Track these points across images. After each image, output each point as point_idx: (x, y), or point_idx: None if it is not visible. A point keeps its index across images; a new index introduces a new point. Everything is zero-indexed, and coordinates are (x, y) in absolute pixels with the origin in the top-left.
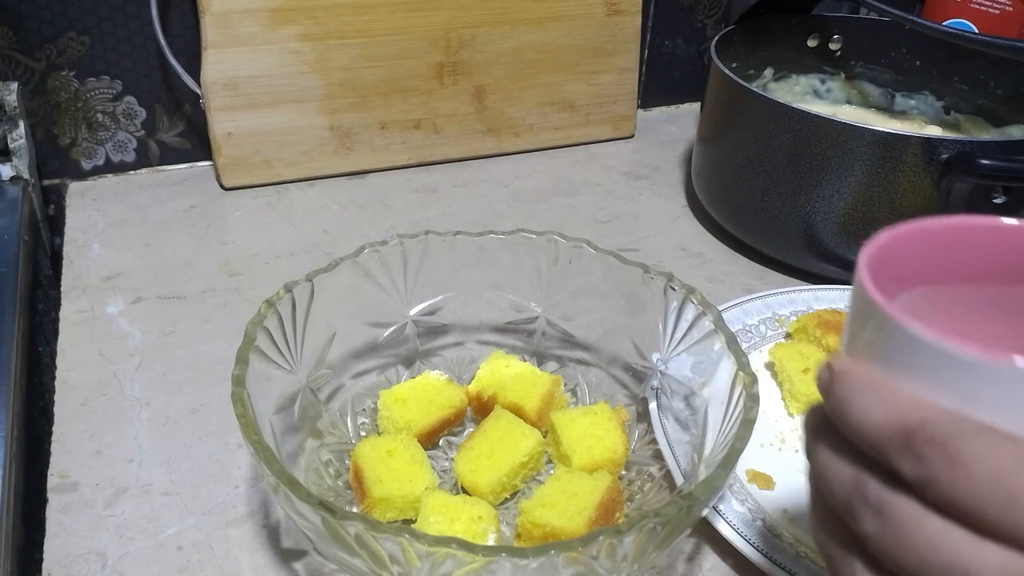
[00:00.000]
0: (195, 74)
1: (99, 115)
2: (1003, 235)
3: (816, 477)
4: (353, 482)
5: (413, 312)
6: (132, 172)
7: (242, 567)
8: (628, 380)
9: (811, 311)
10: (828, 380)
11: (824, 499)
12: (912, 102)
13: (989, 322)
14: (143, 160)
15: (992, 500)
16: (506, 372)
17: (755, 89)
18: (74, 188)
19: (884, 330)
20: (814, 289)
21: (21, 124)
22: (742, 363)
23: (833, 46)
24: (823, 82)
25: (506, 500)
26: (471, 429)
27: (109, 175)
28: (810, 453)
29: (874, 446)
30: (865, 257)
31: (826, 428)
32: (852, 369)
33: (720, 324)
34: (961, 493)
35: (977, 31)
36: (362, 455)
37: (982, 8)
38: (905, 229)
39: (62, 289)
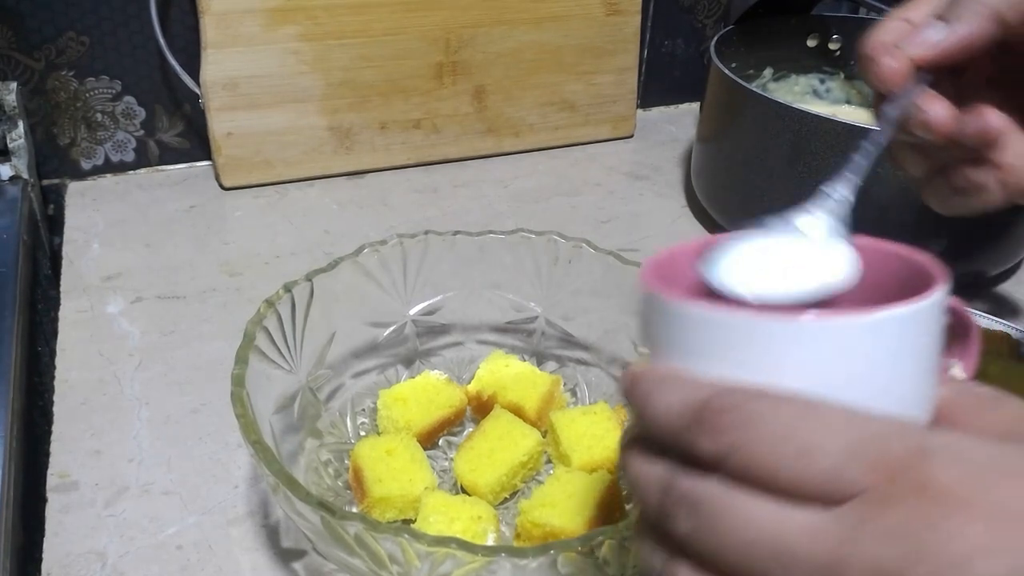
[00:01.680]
0: (195, 74)
1: (99, 115)
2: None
3: (632, 490)
4: (353, 482)
5: (413, 312)
6: (132, 172)
7: (242, 567)
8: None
9: None
10: (630, 383)
11: (643, 512)
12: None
13: None
14: (143, 160)
15: (785, 454)
16: (506, 372)
17: (755, 89)
18: (73, 188)
19: (664, 317)
20: None
21: (20, 124)
22: None
23: (833, 46)
24: (823, 82)
25: (506, 500)
26: (471, 429)
27: (109, 175)
28: (624, 467)
29: (676, 434)
30: (646, 264)
31: (636, 440)
32: (648, 367)
33: None
34: (756, 455)
35: None
36: (362, 455)
37: None
38: (680, 246)
39: (62, 289)
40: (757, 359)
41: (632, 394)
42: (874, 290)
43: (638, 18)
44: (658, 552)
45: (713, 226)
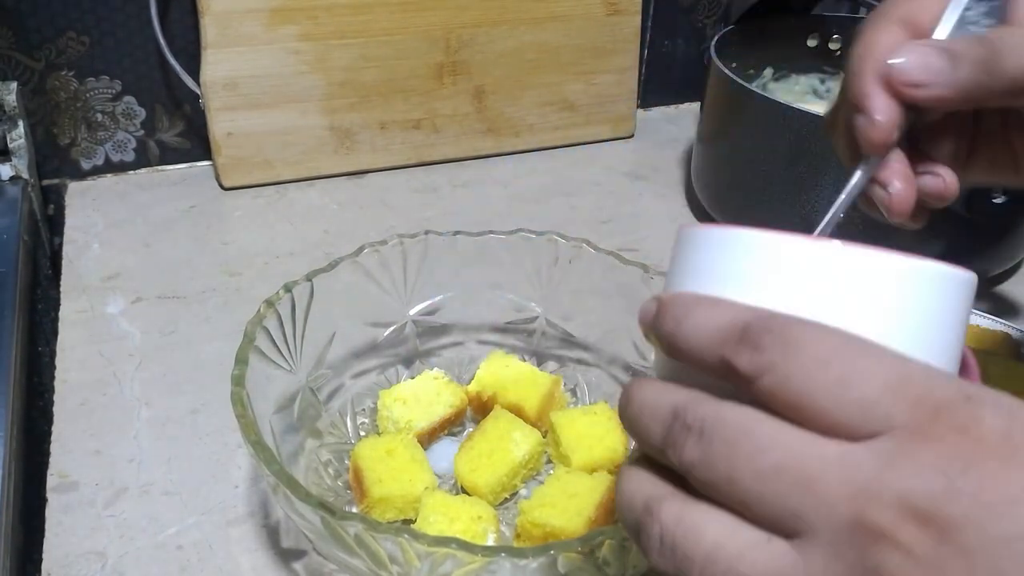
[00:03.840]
0: (195, 74)
1: (99, 115)
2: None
3: (634, 423)
4: (353, 482)
5: (413, 312)
6: (132, 172)
7: (242, 567)
8: (628, 380)
9: None
10: (656, 310)
11: (638, 451)
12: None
13: None
14: (143, 160)
15: (822, 382)
16: (506, 372)
17: (755, 89)
18: (74, 188)
19: (705, 246)
20: None
21: (21, 124)
22: None
23: (833, 46)
24: (823, 82)
25: (506, 500)
26: (471, 429)
27: (109, 175)
28: (626, 407)
29: (711, 352)
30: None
31: (640, 381)
32: (681, 293)
33: None
34: (795, 377)
35: None
36: (362, 455)
37: None
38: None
39: (62, 289)
40: (801, 288)
41: (661, 317)
42: None
43: (638, 18)
44: (643, 490)
45: None
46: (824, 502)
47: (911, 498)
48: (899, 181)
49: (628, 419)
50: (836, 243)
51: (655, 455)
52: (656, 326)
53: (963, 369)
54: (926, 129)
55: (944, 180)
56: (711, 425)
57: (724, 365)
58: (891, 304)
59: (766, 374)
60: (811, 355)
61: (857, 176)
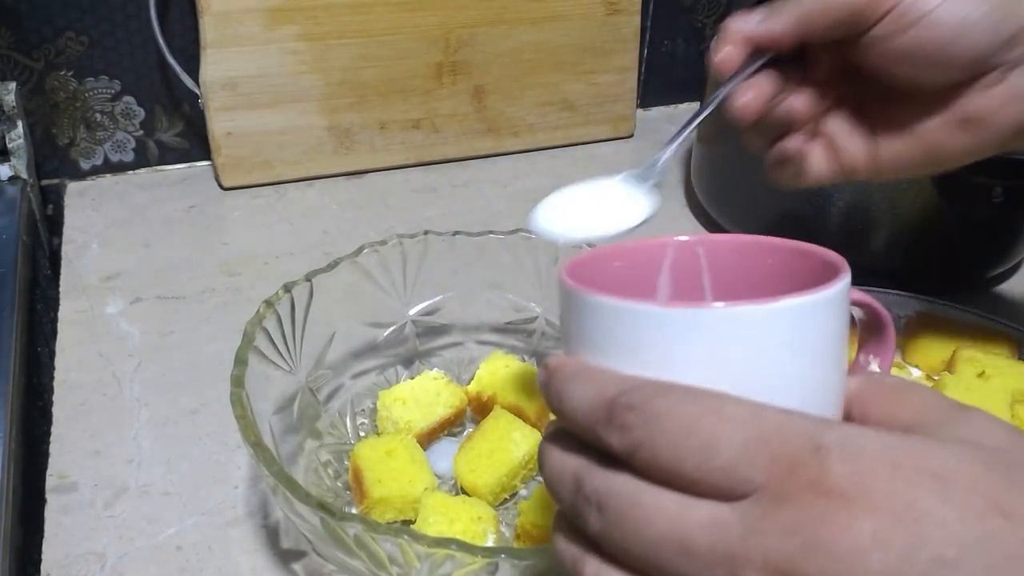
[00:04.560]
0: (194, 74)
1: (98, 115)
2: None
3: (547, 486)
4: (352, 483)
5: (412, 312)
6: (131, 172)
7: (242, 567)
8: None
9: None
10: (546, 378)
11: (558, 508)
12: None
13: None
14: (142, 160)
15: (688, 449)
16: (506, 372)
17: None
18: (73, 188)
19: (577, 310)
20: None
21: (20, 124)
22: None
23: None
24: None
25: (505, 500)
26: (471, 429)
27: (108, 175)
28: (541, 463)
29: (587, 431)
30: (566, 264)
31: (552, 436)
32: (563, 361)
33: None
34: (661, 450)
35: None
36: (361, 455)
37: None
38: (601, 248)
39: (61, 289)
40: (663, 350)
41: (547, 389)
42: (786, 286)
43: (638, 18)
44: (571, 549)
45: (713, 226)
46: (704, 566)
47: (774, 560)
48: (748, 90)
49: (544, 480)
50: (686, 308)
51: (569, 518)
52: (545, 395)
53: (877, 327)
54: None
55: (798, 103)
56: (605, 499)
57: (600, 443)
58: (751, 350)
59: (637, 451)
60: (673, 427)
61: (719, 92)
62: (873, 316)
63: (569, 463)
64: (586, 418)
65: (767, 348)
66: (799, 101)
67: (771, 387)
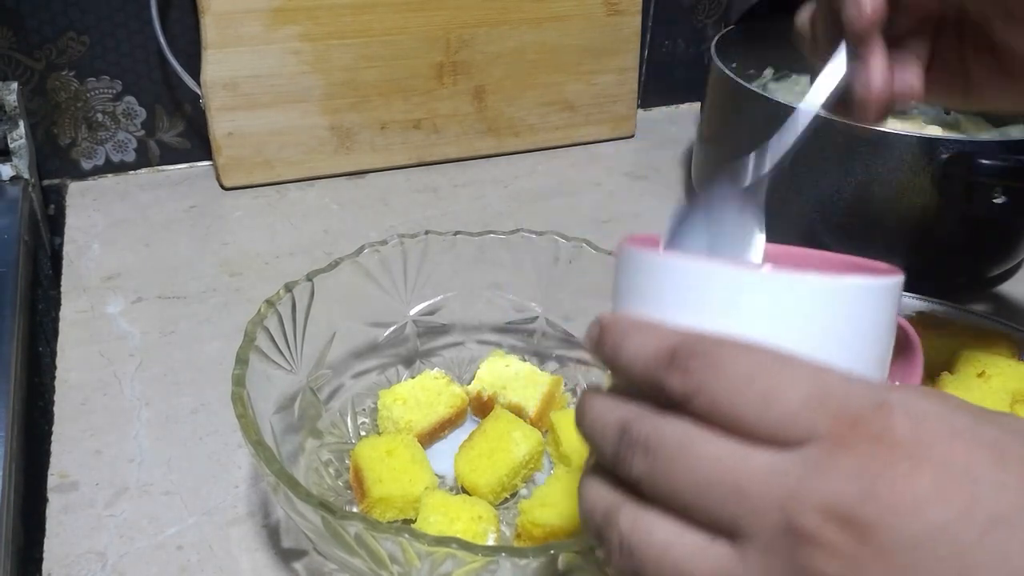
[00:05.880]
0: (195, 74)
1: (99, 115)
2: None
3: (587, 436)
4: (353, 482)
5: (413, 312)
6: (132, 172)
7: (242, 567)
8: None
9: None
10: (598, 333)
11: (594, 463)
12: (911, 101)
13: None
14: (143, 160)
15: (748, 397)
16: (506, 372)
17: (755, 89)
18: (74, 188)
19: (640, 270)
20: None
21: (21, 124)
22: None
23: None
24: None
25: (506, 500)
26: (471, 429)
27: (109, 175)
28: (580, 421)
29: (646, 377)
30: (625, 237)
31: (592, 395)
32: (619, 317)
33: None
34: (721, 396)
35: None
36: (362, 455)
37: None
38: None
39: (62, 289)
40: (727, 310)
41: (602, 342)
42: None
43: (638, 18)
44: (602, 499)
45: None
46: (757, 508)
47: (832, 503)
48: (879, 75)
49: (583, 432)
50: (758, 268)
51: (609, 467)
52: (599, 351)
53: (906, 349)
54: (892, 42)
55: (915, 80)
56: (654, 441)
57: (659, 388)
58: (812, 319)
59: (697, 395)
60: (736, 374)
61: (841, 55)
62: (903, 337)
63: (615, 411)
64: (646, 365)
65: (830, 321)
66: (917, 77)
67: (829, 356)
